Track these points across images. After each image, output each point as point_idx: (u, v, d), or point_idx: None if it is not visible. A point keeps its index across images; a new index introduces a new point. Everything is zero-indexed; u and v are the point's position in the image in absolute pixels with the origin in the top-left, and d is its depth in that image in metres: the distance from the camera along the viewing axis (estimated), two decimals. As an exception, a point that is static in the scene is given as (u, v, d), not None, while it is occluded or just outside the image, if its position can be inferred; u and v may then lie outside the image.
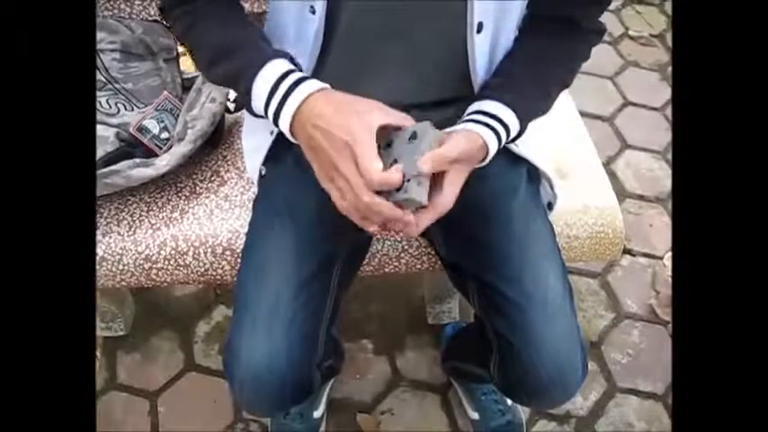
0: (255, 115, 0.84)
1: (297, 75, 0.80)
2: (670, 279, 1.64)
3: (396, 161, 0.76)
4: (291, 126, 0.79)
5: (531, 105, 0.91)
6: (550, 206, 1.08)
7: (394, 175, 0.73)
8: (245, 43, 0.85)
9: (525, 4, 0.89)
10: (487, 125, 0.85)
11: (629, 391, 1.46)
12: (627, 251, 1.69)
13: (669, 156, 1.90)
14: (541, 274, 0.95)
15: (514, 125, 0.88)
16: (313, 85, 0.78)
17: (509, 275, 0.94)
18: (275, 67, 0.80)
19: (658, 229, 1.75)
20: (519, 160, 1.00)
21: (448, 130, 0.85)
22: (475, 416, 1.38)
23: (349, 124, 0.73)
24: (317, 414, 1.35)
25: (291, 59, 0.84)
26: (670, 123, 1.95)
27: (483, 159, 0.86)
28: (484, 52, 0.88)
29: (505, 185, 1.00)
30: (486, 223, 0.98)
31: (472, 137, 0.83)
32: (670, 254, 1.69)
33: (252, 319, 0.89)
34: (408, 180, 0.75)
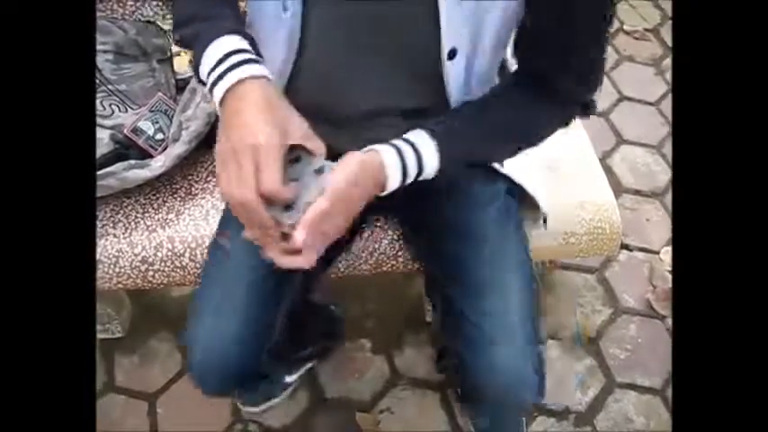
0: (201, 82, 0.83)
1: (245, 55, 0.78)
2: (667, 273, 1.64)
3: (295, 180, 0.76)
4: (222, 101, 0.78)
5: (464, 146, 0.87)
6: (545, 221, 1.08)
7: (286, 191, 0.73)
8: (214, 13, 0.83)
9: (504, 30, 0.84)
10: (395, 146, 0.82)
11: (628, 386, 1.46)
12: (624, 246, 1.69)
13: (665, 150, 1.90)
14: (503, 294, 0.95)
15: (431, 157, 0.82)
16: (255, 69, 0.77)
17: (469, 292, 0.96)
18: (230, 42, 0.79)
19: (655, 224, 1.75)
20: (498, 175, 1.00)
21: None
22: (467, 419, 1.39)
23: (264, 131, 0.73)
24: (289, 379, 1.38)
25: (252, 41, 0.82)
26: (665, 118, 1.95)
27: (385, 182, 0.82)
28: (458, 75, 0.86)
29: (480, 200, 1.00)
30: (456, 237, 1.00)
31: (367, 159, 0.80)
32: (666, 248, 1.69)
33: (208, 300, 0.94)
34: (293, 205, 0.75)
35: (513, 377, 0.92)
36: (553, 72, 0.87)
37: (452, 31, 0.80)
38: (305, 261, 0.77)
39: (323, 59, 0.88)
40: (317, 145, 0.79)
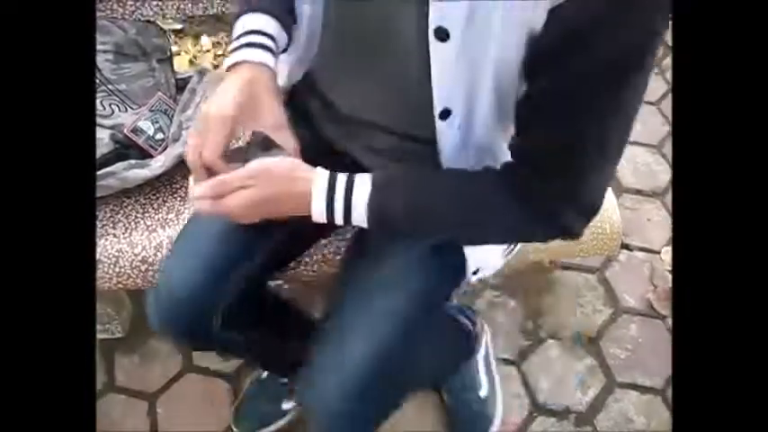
0: None
1: (257, 38, 0.83)
2: (667, 273, 1.64)
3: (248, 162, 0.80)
4: (226, 71, 0.84)
5: (401, 205, 0.79)
6: (474, 272, 0.97)
7: (219, 165, 0.78)
8: None
9: (502, 95, 0.76)
10: (332, 175, 0.79)
11: (628, 386, 1.46)
12: (624, 246, 1.69)
13: (665, 150, 1.89)
14: (361, 330, 0.89)
15: (360, 198, 0.78)
16: (256, 55, 0.82)
17: (332, 311, 0.94)
18: (254, 21, 0.84)
19: (655, 224, 1.75)
20: None
21: None
22: (446, 398, 1.40)
23: (221, 104, 0.79)
24: (285, 406, 1.36)
25: (280, 18, 0.86)
26: (666, 117, 1.95)
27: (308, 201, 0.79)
28: (452, 136, 0.81)
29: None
30: (357, 255, 1.00)
31: (300, 169, 0.80)
32: (667, 248, 1.69)
33: (180, 246, 0.98)
34: None
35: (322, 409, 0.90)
36: (538, 171, 0.76)
37: (445, 91, 0.76)
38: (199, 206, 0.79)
39: (335, 63, 0.90)
40: (286, 140, 0.82)
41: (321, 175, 0.79)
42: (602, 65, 0.65)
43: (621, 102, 0.70)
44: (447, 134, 0.80)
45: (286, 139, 0.83)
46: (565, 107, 0.70)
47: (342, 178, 0.79)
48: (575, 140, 0.72)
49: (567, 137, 0.72)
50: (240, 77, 0.81)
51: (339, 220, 0.80)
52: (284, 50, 0.89)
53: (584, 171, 0.75)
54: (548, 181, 0.75)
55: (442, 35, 0.70)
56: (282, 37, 0.86)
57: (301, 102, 1.00)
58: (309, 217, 0.81)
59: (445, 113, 0.78)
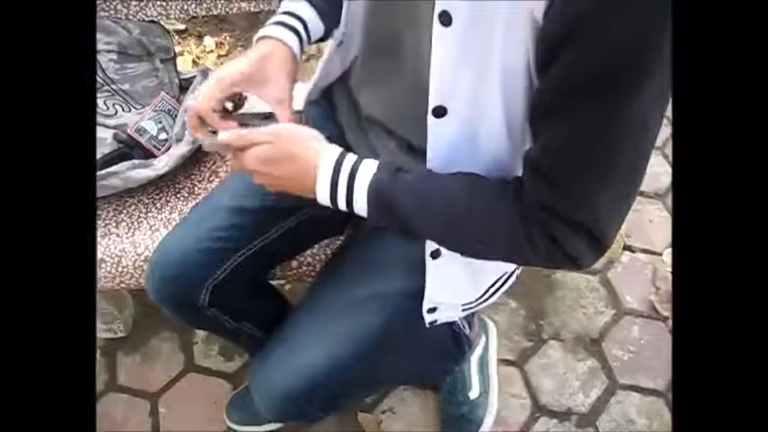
0: None
1: (286, 19, 0.91)
2: (670, 275, 1.64)
3: (245, 126, 0.86)
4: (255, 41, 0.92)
5: (398, 201, 0.77)
6: (429, 311, 0.95)
7: (211, 118, 0.86)
8: None
9: (513, 97, 0.71)
10: (341, 156, 0.79)
11: (631, 388, 1.46)
12: (626, 247, 1.69)
13: (667, 151, 1.89)
14: (313, 343, 0.93)
15: (364, 178, 0.77)
16: (278, 32, 0.90)
17: (296, 311, 0.99)
18: (291, 4, 0.93)
19: (658, 225, 1.75)
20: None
21: None
22: (441, 398, 1.40)
23: (227, 67, 0.88)
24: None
25: (318, 8, 0.93)
26: (668, 119, 1.95)
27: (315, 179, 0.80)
28: (443, 136, 0.76)
29: (387, 256, 0.96)
30: (335, 268, 1.03)
31: (309, 136, 0.81)
32: (669, 250, 1.69)
33: (184, 220, 1.04)
34: None
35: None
36: (545, 185, 0.70)
37: (445, 82, 0.72)
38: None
39: (363, 62, 0.93)
40: (285, 115, 0.87)
41: (333, 149, 0.80)
42: (600, 58, 0.61)
43: (627, 109, 0.64)
44: (439, 136, 0.76)
45: (285, 114, 0.88)
46: (567, 108, 0.66)
47: (351, 157, 0.79)
48: (580, 154, 0.67)
49: (571, 145, 0.67)
50: (257, 50, 0.88)
51: (342, 199, 0.79)
52: (339, 43, 0.94)
53: (594, 193, 0.70)
54: (554, 199, 0.70)
55: (446, 19, 0.67)
56: (317, 24, 0.93)
57: (333, 101, 1.02)
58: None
59: (440, 111, 0.73)
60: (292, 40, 0.90)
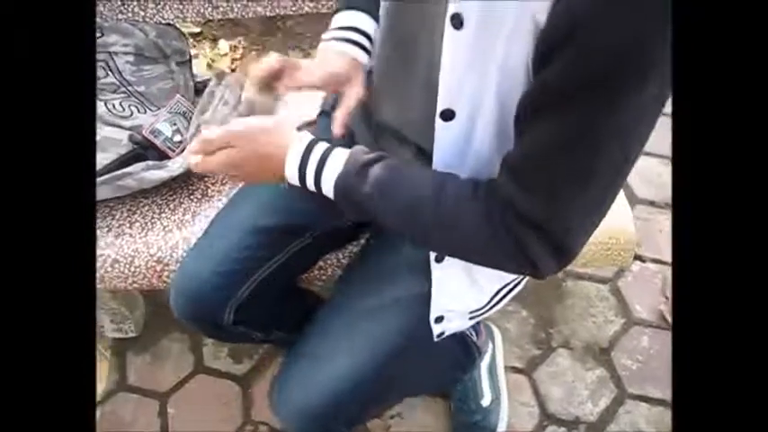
0: None
1: (340, 32, 0.93)
2: (680, 285, 1.63)
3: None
4: None
5: (365, 189, 0.77)
6: (439, 319, 0.95)
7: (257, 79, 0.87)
8: None
9: (506, 96, 0.71)
10: (313, 140, 0.81)
11: (639, 398, 1.45)
12: (637, 257, 1.68)
13: (679, 161, 1.89)
14: (337, 357, 0.92)
15: (330, 174, 0.78)
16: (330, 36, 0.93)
17: (317, 323, 0.98)
18: (347, 17, 0.94)
19: (668, 235, 1.75)
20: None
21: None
22: (452, 406, 1.39)
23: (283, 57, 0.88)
24: None
25: (372, 14, 0.93)
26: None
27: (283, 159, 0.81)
28: (453, 142, 0.77)
29: (399, 262, 0.96)
30: (355, 276, 1.03)
31: (282, 123, 0.83)
32: (680, 260, 1.68)
33: (202, 239, 1.03)
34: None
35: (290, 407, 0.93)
36: (516, 188, 0.70)
37: (453, 85, 0.72)
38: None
39: (377, 66, 0.93)
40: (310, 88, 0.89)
41: (300, 140, 0.80)
42: (599, 60, 0.60)
43: (618, 113, 0.63)
44: (445, 139, 0.76)
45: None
46: (557, 108, 0.65)
47: (319, 149, 0.80)
48: (562, 157, 0.67)
49: (554, 146, 0.67)
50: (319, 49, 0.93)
51: (311, 186, 0.81)
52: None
53: (568, 201, 0.69)
54: (526, 203, 0.70)
55: (458, 23, 0.67)
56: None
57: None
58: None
59: (448, 114, 0.73)
60: (335, 44, 0.92)
